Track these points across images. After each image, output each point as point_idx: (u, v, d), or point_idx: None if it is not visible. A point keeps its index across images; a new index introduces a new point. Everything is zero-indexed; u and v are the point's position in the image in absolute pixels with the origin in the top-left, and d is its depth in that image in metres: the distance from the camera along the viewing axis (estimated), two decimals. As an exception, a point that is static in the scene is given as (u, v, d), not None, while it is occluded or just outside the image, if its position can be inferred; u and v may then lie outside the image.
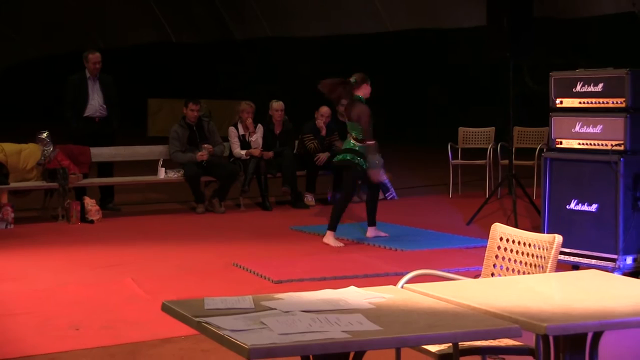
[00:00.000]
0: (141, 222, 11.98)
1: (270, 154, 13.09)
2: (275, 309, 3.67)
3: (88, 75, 12.58)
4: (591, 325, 3.69)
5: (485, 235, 5.35)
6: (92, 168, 12.78)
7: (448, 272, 4.96)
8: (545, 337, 3.95)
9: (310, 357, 3.63)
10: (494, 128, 14.26)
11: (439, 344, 4.31)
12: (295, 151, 13.38)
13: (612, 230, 7.92)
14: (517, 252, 4.68)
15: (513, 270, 4.68)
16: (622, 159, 7.87)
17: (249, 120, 13.11)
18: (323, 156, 13.24)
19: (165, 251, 9.84)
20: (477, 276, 5.17)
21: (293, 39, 26.22)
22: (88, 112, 12.53)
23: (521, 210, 11.34)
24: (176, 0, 29.13)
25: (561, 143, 8.43)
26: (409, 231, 10.94)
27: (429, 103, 23.39)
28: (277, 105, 13.35)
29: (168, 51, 30.54)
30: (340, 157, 10.29)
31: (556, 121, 8.47)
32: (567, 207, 8.28)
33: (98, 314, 7.14)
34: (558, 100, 8.45)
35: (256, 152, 12.94)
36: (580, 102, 8.29)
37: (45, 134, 12.14)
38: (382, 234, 10.44)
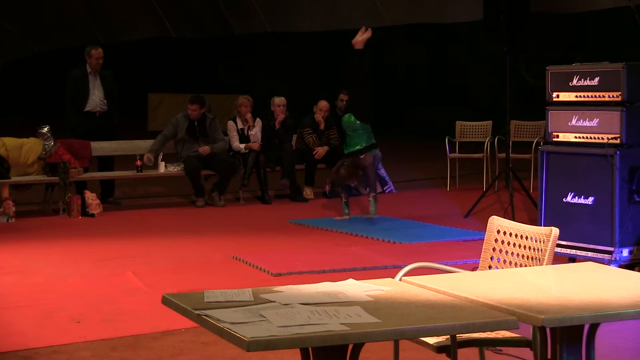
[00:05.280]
0: (141, 216, 12.00)
1: (325, 148, 13.30)
2: (274, 301, 3.69)
3: (89, 70, 12.59)
4: (588, 317, 3.69)
5: (483, 228, 5.40)
6: (92, 162, 12.79)
7: (446, 264, 4.99)
8: (542, 329, 3.97)
9: (309, 349, 3.66)
10: (491, 122, 14.26)
11: (436, 336, 4.34)
12: (293, 145, 13.41)
13: (609, 222, 7.95)
14: (514, 244, 4.69)
15: (510, 262, 4.69)
16: (618, 152, 7.91)
17: (249, 115, 13.12)
18: (321, 150, 13.27)
19: (165, 244, 9.86)
20: (474, 269, 5.21)
21: (292, 34, 26.21)
22: (89, 107, 12.55)
23: (518, 203, 11.37)
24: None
25: (558, 136, 8.47)
26: (407, 224, 10.98)
27: (426, 97, 23.39)
28: (279, 100, 13.31)
29: (168, 46, 30.51)
30: None
31: (553, 115, 8.51)
32: (564, 200, 8.33)
33: (99, 307, 7.16)
34: (555, 94, 8.49)
35: (255, 145, 12.96)
36: (576, 96, 8.33)
37: (46, 129, 12.17)
38: None
